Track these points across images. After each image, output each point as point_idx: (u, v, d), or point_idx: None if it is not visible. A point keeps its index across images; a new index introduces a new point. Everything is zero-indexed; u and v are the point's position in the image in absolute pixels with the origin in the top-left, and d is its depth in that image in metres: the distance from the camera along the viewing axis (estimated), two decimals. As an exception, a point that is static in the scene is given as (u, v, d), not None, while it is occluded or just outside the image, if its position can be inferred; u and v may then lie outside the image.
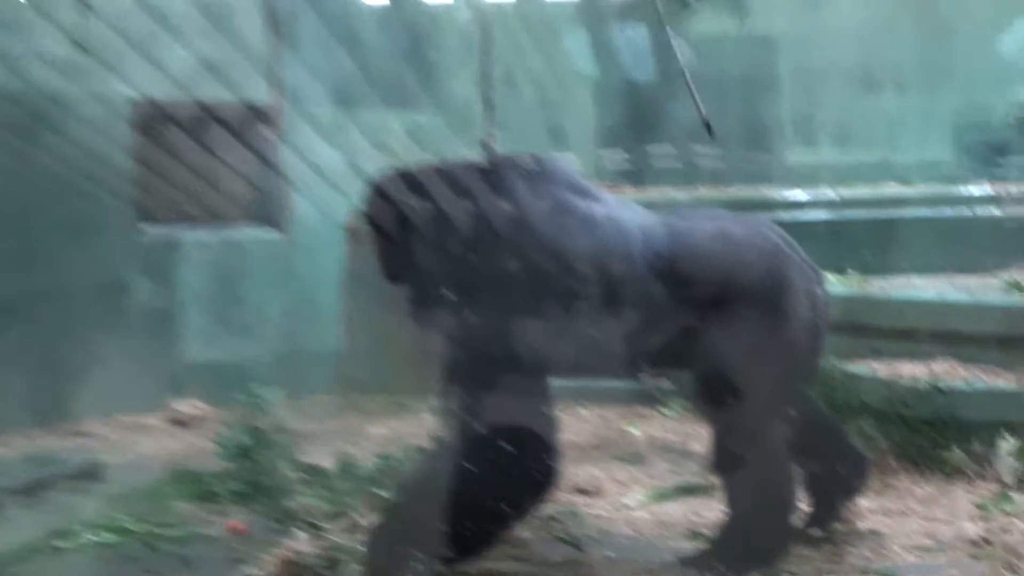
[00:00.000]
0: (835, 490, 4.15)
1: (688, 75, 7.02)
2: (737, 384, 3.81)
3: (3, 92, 6.38)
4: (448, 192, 4.01)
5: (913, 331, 5.44)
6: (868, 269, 6.04)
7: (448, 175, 4.03)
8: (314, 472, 5.15)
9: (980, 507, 4.47)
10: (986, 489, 4.67)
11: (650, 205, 4.51)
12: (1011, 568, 3.83)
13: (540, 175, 4.11)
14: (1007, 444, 4.75)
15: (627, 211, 4.10)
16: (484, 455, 3.56)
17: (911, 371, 5.24)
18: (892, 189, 6.75)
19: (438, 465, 3.82)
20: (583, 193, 4.05)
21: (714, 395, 3.91)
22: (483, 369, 3.83)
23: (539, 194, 3.99)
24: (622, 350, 3.88)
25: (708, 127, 6.98)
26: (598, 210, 3.97)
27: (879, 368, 5.34)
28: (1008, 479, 4.68)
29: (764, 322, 3.80)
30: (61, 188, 6.61)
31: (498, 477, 3.63)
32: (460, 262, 3.91)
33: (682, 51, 8.25)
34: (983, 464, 4.80)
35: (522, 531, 4.29)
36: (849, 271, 6.00)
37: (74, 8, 6.24)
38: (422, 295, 3.98)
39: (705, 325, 3.77)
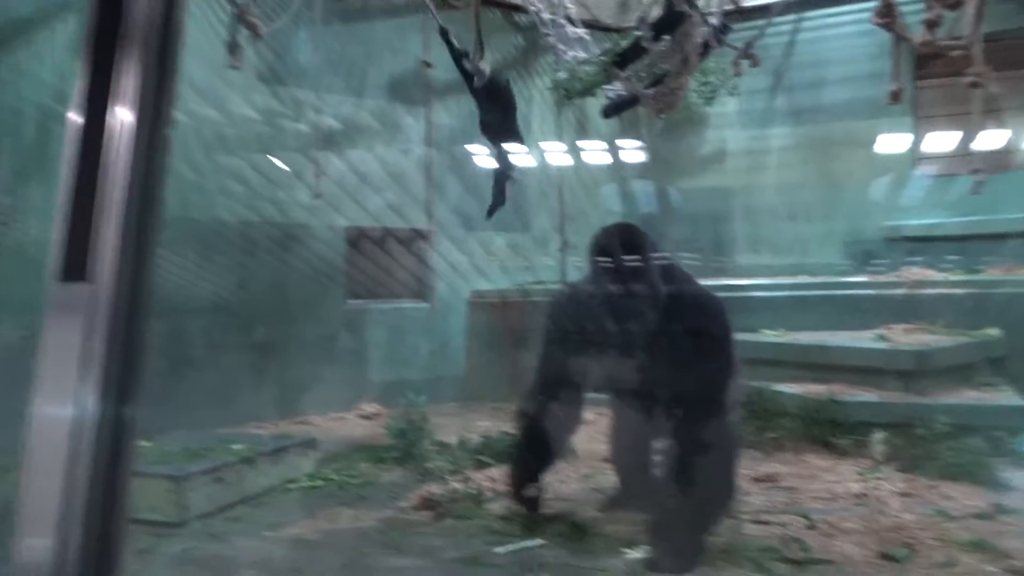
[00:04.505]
0: None
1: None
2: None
3: (276, 225, 6.63)
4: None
5: (817, 364, 5.30)
6: (790, 326, 5.90)
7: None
8: (443, 446, 5.14)
9: (860, 475, 4.29)
10: (864, 464, 4.48)
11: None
12: (880, 512, 3.68)
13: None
14: (877, 435, 4.57)
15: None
16: None
17: (816, 389, 5.08)
18: (804, 279, 6.60)
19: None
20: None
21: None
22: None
23: None
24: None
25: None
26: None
27: (796, 388, 5.19)
28: (879, 457, 4.49)
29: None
30: (303, 278, 6.81)
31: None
32: None
33: (674, 197, 8.34)
34: (862, 448, 4.62)
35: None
36: (778, 327, 5.87)
37: (314, 172, 6.50)
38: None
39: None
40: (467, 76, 6.14)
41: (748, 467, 4.26)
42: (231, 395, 6.22)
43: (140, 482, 3.96)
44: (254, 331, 6.53)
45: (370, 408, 6.80)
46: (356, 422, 6.59)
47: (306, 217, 6.81)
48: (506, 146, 6.21)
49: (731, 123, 8.21)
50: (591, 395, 3.86)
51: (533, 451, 3.79)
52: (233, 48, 4.65)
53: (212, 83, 5.88)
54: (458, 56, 6.09)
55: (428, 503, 4.03)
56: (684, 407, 3.34)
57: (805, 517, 3.61)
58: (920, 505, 3.76)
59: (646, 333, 3.39)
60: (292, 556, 3.34)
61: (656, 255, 3.60)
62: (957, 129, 7.22)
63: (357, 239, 7.21)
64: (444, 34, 6.13)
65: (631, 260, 3.50)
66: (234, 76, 5.94)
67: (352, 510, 4.07)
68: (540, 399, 3.78)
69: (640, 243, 3.58)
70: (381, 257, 7.37)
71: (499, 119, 6.18)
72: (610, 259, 3.53)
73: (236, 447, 4.59)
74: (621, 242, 3.57)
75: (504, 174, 6.36)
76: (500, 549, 3.28)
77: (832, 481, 4.21)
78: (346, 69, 7.08)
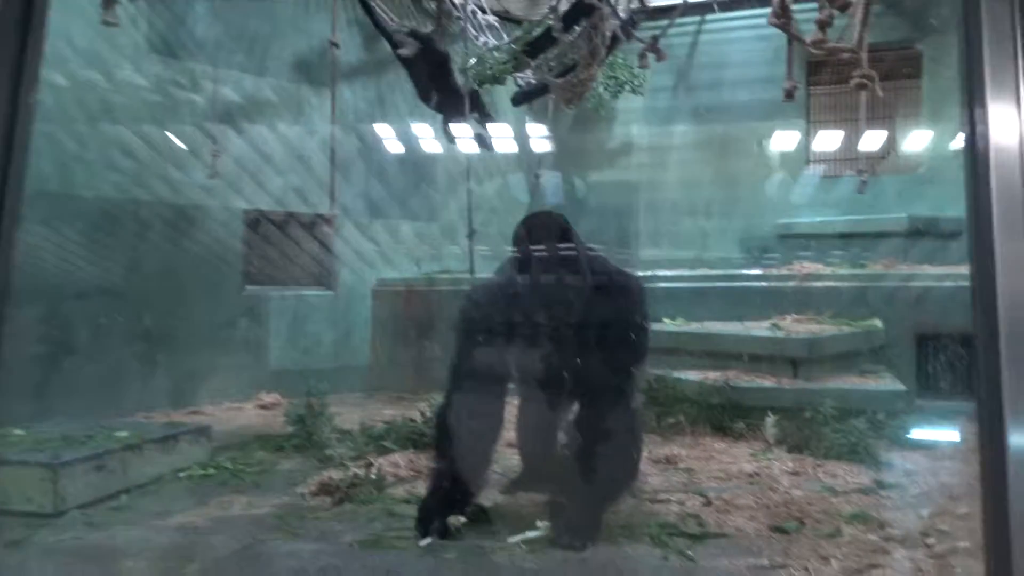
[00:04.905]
0: None
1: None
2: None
3: (168, 204, 6.28)
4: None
5: (715, 352, 5.46)
6: (689, 316, 6.06)
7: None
8: (344, 434, 5.00)
9: (753, 456, 4.45)
10: (757, 446, 4.65)
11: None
12: (771, 489, 3.81)
13: None
14: (770, 419, 4.75)
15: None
16: None
17: (714, 376, 5.24)
18: (703, 271, 6.80)
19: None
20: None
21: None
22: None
23: None
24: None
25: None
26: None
27: (694, 374, 5.33)
28: (770, 440, 4.67)
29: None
30: (199, 262, 6.50)
31: None
32: None
33: (580, 189, 8.45)
34: (756, 431, 4.79)
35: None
36: (678, 317, 6.02)
37: (211, 151, 6.22)
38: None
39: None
40: (395, 45, 5.96)
41: (648, 450, 4.34)
42: (118, 384, 5.88)
43: (10, 471, 3.68)
44: (144, 317, 6.18)
45: (269, 398, 6.55)
46: (254, 412, 6.34)
47: (202, 198, 6.49)
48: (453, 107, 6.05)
49: (637, 119, 8.39)
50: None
51: (454, 479, 3.36)
52: (108, 1, 4.33)
53: (98, 47, 5.51)
54: (382, 24, 5.90)
55: (327, 489, 3.90)
56: (600, 391, 3.33)
57: (702, 495, 3.71)
58: (808, 482, 3.93)
59: (573, 322, 3.35)
60: (181, 543, 3.16)
61: (582, 244, 3.60)
62: (845, 133, 7.65)
63: (256, 222, 6.94)
64: (364, 2, 5.93)
65: (560, 248, 3.48)
66: (123, 42, 5.60)
67: (247, 497, 3.90)
68: (460, 407, 3.46)
69: (567, 231, 3.57)
70: (282, 242, 7.12)
71: (440, 84, 6.02)
72: (538, 247, 3.47)
73: (120, 434, 4.32)
74: (549, 230, 3.53)
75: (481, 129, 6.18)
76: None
77: (727, 462, 4.34)
78: (247, 45, 6.80)
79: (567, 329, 3.34)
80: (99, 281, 5.86)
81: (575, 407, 3.54)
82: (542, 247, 3.45)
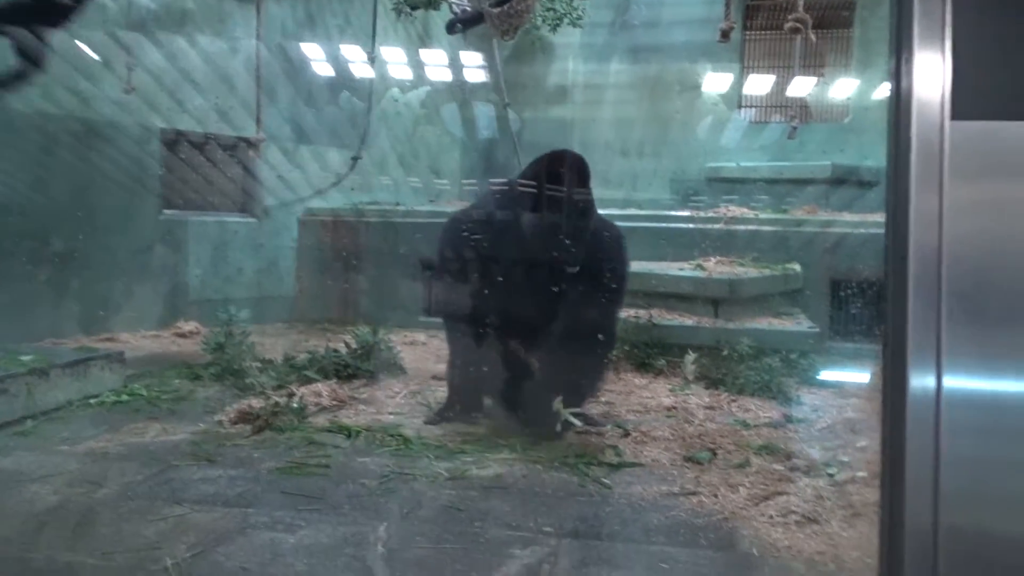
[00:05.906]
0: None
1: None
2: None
3: (79, 120, 5.88)
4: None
5: (640, 291, 5.52)
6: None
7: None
8: (266, 362, 4.91)
9: (672, 391, 4.56)
10: (676, 382, 4.77)
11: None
12: (687, 422, 3.94)
13: None
14: (689, 356, 4.87)
15: None
16: None
17: (637, 313, 5.32)
18: (633, 212, 6.85)
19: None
20: None
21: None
22: None
23: None
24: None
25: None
26: None
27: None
28: (689, 376, 4.79)
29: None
30: (112, 183, 6.16)
31: None
32: None
33: (514, 123, 8.32)
34: (675, 367, 4.91)
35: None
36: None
37: (125, 63, 5.83)
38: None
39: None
40: None
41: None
42: (24, 309, 5.58)
43: (-96, 394, 3.48)
44: (53, 239, 5.85)
45: (188, 326, 6.35)
46: (171, 340, 6.14)
47: (115, 114, 6.10)
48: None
49: (574, 54, 8.28)
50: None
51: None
52: None
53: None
54: None
55: (246, 416, 3.83)
56: (580, 336, 3.54)
57: (620, 427, 3.79)
58: (722, 416, 4.07)
59: (570, 264, 3.47)
60: (90, 469, 3.06)
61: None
62: (776, 79, 7.74)
63: (174, 143, 6.59)
64: None
65: (578, 192, 3.50)
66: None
67: (161, 424, 3.79)
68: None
69: (586, 177, 3.57)
70: (202, 165, 6.79)
71: None
72: (557, 186, 3.49)
73: (25, 358, 4.12)
74: (569, 172, 3.52)
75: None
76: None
77: (647, 396, 4.45)
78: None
79: (564, 271, 3.47)
80: (1, 199, 5.49)
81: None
82: (567, 186, 3.48)
